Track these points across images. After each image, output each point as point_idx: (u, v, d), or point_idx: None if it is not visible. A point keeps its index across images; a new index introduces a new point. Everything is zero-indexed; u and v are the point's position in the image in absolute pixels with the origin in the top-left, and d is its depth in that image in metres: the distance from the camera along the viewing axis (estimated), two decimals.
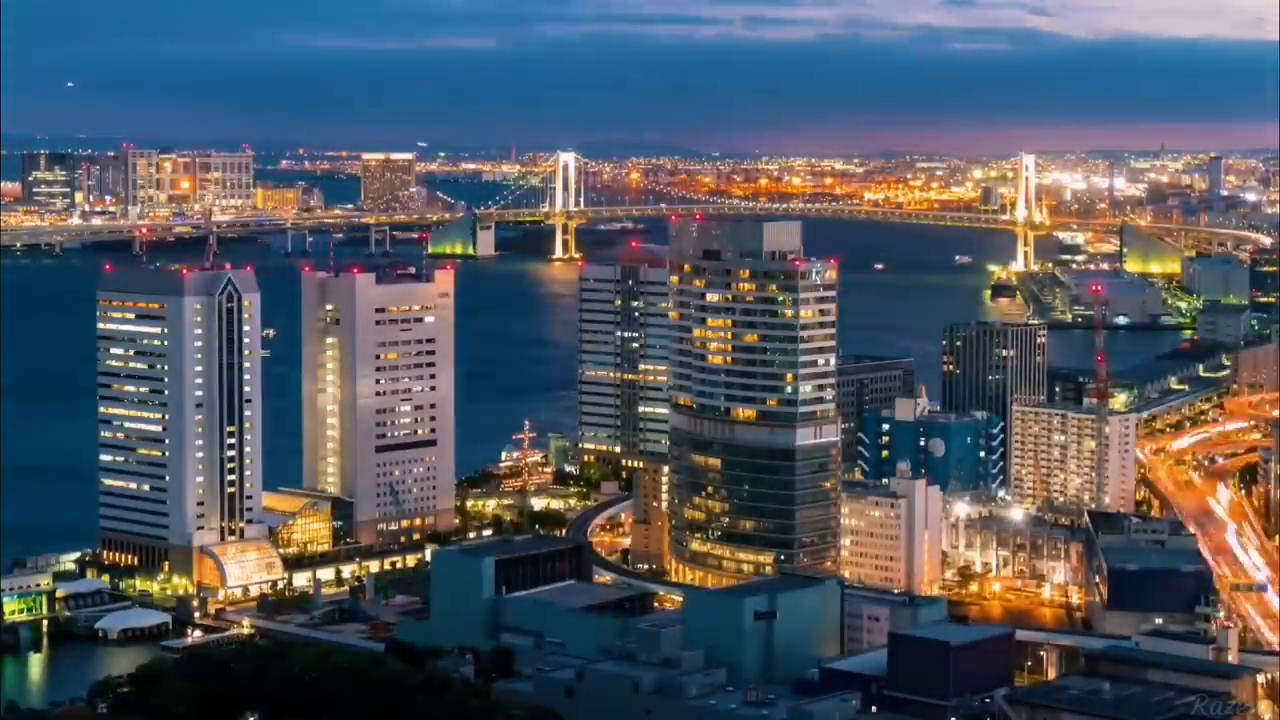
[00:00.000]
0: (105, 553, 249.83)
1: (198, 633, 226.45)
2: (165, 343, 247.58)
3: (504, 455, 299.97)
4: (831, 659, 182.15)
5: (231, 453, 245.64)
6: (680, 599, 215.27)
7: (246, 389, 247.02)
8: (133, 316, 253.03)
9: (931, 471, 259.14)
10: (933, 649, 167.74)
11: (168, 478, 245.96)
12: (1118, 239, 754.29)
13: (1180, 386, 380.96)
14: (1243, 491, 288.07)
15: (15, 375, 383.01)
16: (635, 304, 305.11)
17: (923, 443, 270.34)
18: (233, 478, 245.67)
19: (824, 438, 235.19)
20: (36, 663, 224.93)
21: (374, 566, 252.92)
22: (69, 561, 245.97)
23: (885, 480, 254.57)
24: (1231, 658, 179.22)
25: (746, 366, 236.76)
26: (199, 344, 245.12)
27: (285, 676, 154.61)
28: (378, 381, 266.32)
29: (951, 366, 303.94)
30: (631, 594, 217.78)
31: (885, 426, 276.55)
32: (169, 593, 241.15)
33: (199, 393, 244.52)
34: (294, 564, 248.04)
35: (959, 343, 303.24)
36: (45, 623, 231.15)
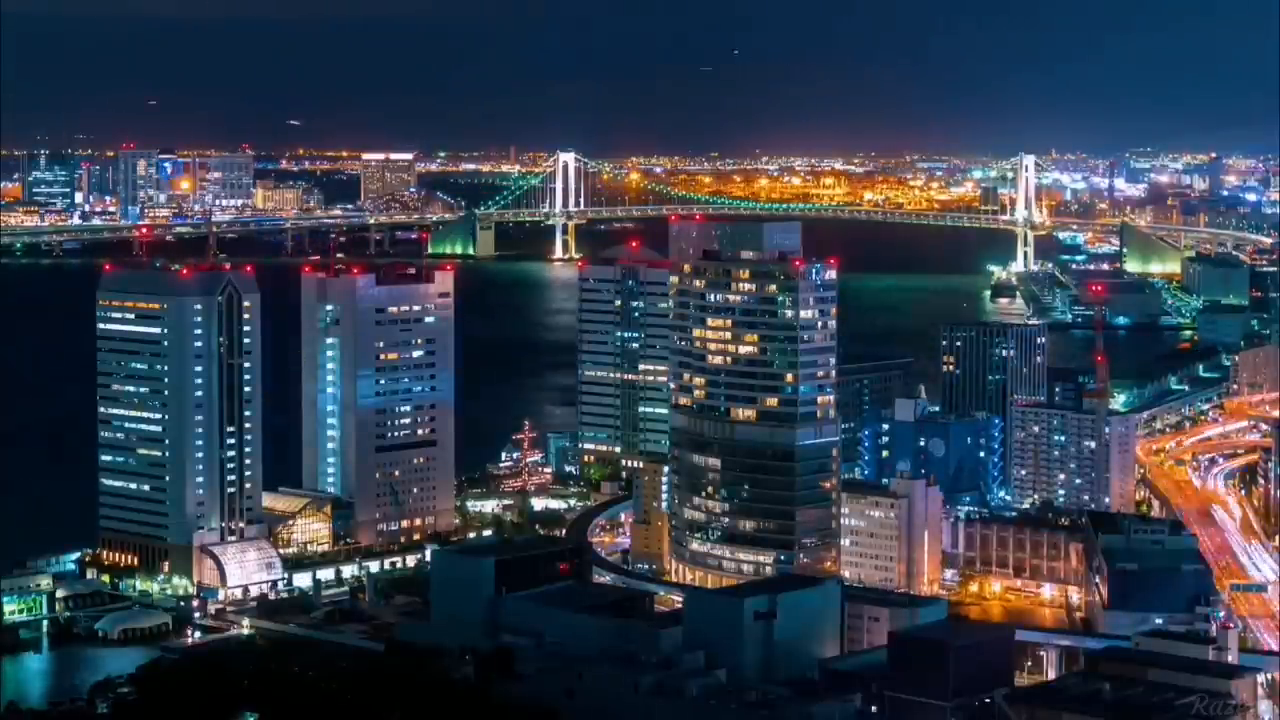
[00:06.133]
0: (105, 553, 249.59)
1: (198, 633, 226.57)
2: (165, 343, 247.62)
3: (504, 455, 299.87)
4: (831, 659, 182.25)
5: (231, 453, 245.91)
6: (680, 599, 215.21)
7: (246, 389, 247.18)
8: (133, 316, 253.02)
9: (931, 471, 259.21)
10: (933, 649, 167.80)
11: (168, 478, 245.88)
12: (1118, 239, 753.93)
13: (1180, 386, 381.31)
14: (1243, 492, 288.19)
15: (14, 375, 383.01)
16: (635, 304, 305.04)
17: (923, 443, 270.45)
18: (233, 478, 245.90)
19: (824, 438, 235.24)
20: (36, 663, 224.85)
21: (374, 566, 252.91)
22: (69, 561, 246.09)
23: (885, 480, 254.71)
24: (1231, 658, 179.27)
25: (746, 366, 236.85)
26: (199, 344, 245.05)
27: (285, 676, 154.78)
28: (378, 382, 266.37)
29: (951, 366, 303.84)
30: (631, 594, 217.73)
31: (885, 426, 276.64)
32: (169, 593, 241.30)
33: (199, 393, 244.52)
34: (294, 564, 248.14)
35: (959, 343, 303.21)
36: (45, 623, 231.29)
